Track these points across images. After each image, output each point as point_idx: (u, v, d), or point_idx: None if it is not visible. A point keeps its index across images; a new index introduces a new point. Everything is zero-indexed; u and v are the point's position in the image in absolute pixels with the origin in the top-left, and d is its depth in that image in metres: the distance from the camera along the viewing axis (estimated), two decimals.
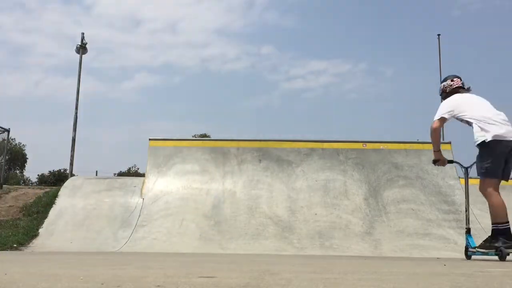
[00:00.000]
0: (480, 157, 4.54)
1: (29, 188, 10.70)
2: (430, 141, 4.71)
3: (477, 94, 4.91)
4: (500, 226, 4.34)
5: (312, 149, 8.57)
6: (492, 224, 4.43)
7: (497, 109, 4.69)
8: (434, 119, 4.67)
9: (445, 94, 4.93)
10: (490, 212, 4.46)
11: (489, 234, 4.52)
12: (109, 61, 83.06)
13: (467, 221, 4.93)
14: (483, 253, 4.53)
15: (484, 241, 4.55)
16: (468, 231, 4.86)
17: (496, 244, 4.30)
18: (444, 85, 4.96)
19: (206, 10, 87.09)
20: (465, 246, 4.85)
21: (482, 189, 4.54)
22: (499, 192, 4.46)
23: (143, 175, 10.09)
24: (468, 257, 4.80)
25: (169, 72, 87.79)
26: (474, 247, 4.66)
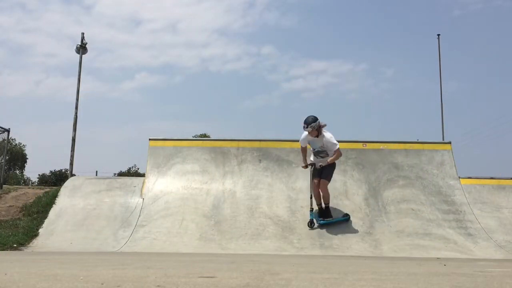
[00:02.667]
0: (332, 169, 7.29)
1: (29, 188, 10.69)
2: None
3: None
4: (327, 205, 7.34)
5: None
6: (325, 204, 7.30)
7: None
8: (338, 147, 7.18)
9: (321, 128, 7.18)
10: (325, 197, 7.29)
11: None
12: (109, 61, 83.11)
13: (311, 202, 7.17)
14: (328, 221, 7.12)
15: (322, 214, 7.21)
16: (311, 210, 7.15)
17: (332, 215, 7.25)
18: (319, 122, 7.13)
19: (206, 10, 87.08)
20: (309, 220, 7.12)
21: (325, 188, 7.23)
22: None
23: (143, 175, 10.08)
24: (311, 227, 7.08)
25: (169, 72, 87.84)
26: (315, 219, 7.12)
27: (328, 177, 7.23)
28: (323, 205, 7.28)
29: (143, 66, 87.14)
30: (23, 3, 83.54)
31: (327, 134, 7.19)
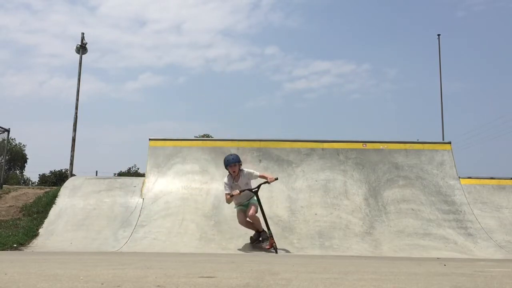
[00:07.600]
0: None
1: (29, 188, 10.70)
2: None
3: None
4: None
5: (312, 149, 8.57)
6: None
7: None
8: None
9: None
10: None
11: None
12: (113, 61, 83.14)
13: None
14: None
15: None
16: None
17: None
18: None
19: (211, 11, 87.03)
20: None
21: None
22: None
23: (143, 175, 10.08)
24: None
25: (173, 73, 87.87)
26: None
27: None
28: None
29: (147, 66, 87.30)
30: (28, 4, 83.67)
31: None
